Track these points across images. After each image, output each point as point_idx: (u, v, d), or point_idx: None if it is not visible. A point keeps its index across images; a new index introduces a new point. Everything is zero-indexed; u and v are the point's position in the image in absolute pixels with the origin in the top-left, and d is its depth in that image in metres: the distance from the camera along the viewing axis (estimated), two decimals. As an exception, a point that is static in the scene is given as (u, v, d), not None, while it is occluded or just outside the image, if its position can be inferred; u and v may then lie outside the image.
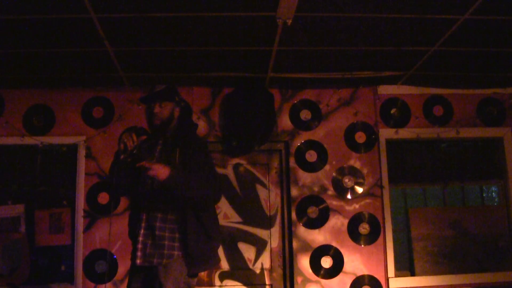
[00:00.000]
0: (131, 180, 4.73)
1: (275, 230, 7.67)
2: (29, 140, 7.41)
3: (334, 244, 7.45)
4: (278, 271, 7.57)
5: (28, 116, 7.49)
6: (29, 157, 7.55)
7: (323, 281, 7.39)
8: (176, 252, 4.53)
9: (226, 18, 5.46)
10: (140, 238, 4.59)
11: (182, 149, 4.66)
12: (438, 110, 7.83)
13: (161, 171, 4.35)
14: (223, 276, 7.50)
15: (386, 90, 7.82)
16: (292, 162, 7.64)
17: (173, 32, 5.83)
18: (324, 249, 7.44)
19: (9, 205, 7.24)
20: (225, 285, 7.49)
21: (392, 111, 7.77)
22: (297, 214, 7.51)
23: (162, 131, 4.79)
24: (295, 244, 7.45)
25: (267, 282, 7.56)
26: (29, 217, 7.29)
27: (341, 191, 7.58)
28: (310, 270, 7.39)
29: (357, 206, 7.56)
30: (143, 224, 4.61)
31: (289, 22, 5.41)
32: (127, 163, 4.60)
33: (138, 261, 4.56)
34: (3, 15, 5.28)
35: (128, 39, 6.01)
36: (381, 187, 7.59)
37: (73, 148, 7.50)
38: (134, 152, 4.60)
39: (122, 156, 4.61)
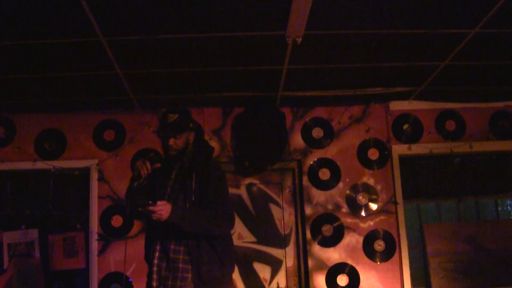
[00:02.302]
0: None
1: (290, 249, 7.63)
2: (41, 165, 7.43)
3: (349, 262, 7.41)
4: (294, 291, 7.54)
5: (40, 140, 7.51)
6: (41, 182, 7.58)
7: (340, 299, 7.36)
8: (189, 275, 4.50)
9: (235, 38, 5.46)
10: (155, 261, 4.57)
11: (199, 174, 4.64)
12: (450, 125, 7.79)
13: (163, 213, 4.30)
14: (239, 297, 7.48)
15: (398, 106, 7.79)
16: (305, 180, 7.61)
17: (182, 53, 5.84)
18: (340, 267, 7.40)
19: (23, 230, 7.24)
20: (241, 306, 7.48)
21: (405, 127, 7.74)
22: (311, 233, 7.47)
23: (179, 157, 4.76)
24: (310, 262, 7.41)
25: (283, 301, 7.53)
26: (43, 242, 7.28)
27: (355, 208, 7.54)
28: (326, 289, 7.36)
29: (371, 223, 7.52)
30: (158, 247, 4.59)
31: (299, 40, 5.39)
32: (139, 192, 4.61)
33: (154, 284, 4.53)
34: (13, 41, 5.30)
35: (137, 62, 6.02)
36: (395, 203, 7.55)
37: (85, 172, 7.50)
38: (145, 183, 4.62)
39: (135, 183, 4.62)
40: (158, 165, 4.71)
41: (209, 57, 5.96)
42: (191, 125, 4.79)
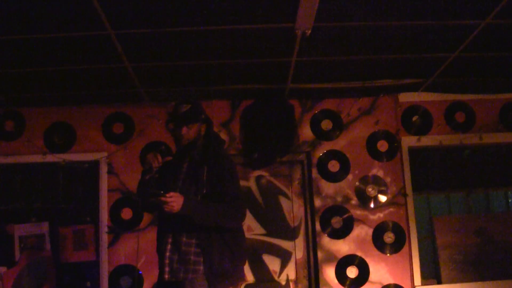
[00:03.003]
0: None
1: (300, 241, 7.64)
2: (50, 158, 7.46)
3: (359, 253, 7.41)
4: (304, 282, 7.54)
5: (49, 133, 7.53)
6: (51, 175, 7.60)
7: (349, 291, 7.36)
8: (201, 267, 4.51)
9: (244, 30, 5.45)
10: (167, 254, 4.58)
11: (210, 167, 4.64)
12: (460, 117, 7.76)
13: (175, 204, 4.31)
14: (249, 289, 7.49)
15: (407, 97, 7.77)
16: (314, 172, 7.60)
17: (191, 46, 5.84)
18: (349, 259, 7.40)
19: (33, 222, 7.25)
20: (251, 298, 7.48)
21: (414, 118, 7.72)
22: (321, 225, 7.47)
23: (189, 150, 4.77)
24: (320, 254, 7.41)
25: (292, 293, 7.54)
26: (53, 234, 7.30)
27: (364, 200, 7.53)
28: (336, 281, 7.35)
29: (381, 215, 7.51)
30: (169, 240, 4.60)
31: (308, 32, 5.38)
32: (151, 185, 4.64)
33: (166, 276, 4.55)
34: (22, 35, 5.31)
35: (146, 55, 6.03)
36: (405, 195, 7.53)
37: (95, 165, 7.53)
38: (156, 176, 4.64)
39: (147, 176, 4.63)
40: (169, 158, 4.73)
41: (218, 49, 5.96)
42: (203, 116, 4.81)
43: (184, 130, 4.69)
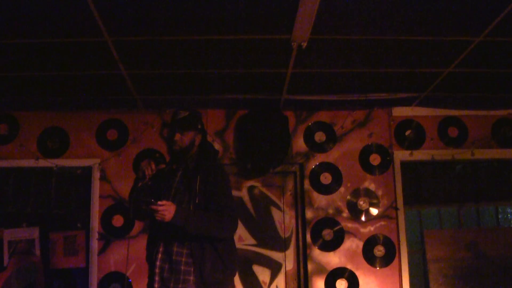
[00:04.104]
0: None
1: (290, 253, 7.63)
2: (43, 163, 7.43)
3: (349, 266, 7.40)
4: (293, 294, 7.54)
5: (43, 138, 7.52)
6: (43, 180, 7.58)
7: (338, 304, 7.36)
8: (192, 278, 4.51)
9: (240, 41, 5.47)
10: (158, 263, 4.57)
11: (204, 176, 4.65)
12: (452, 132, 7.78)
13: (166, 213, 4.31)
14: (238, 299, 7.47)
15: (401, 111, 7.79)
16: (306, 184, 7.61)
17: (187, 55, 5.85)
18: (339, 272, 7.39)
19: (24, 227, 7.24)
20: (240, 308, 7.47)
21: (407, 132, 7.74)
22: (312, 237, 7.47)
23: (181, 157, 4.78)
24: (310, 266, 7.41)
25: (282, 305, 7.53)
26: (44, 240, 7.28)
27: (356, 213, 7.54)
28: (326, 293, 7.36)
29: (372, 228, 7.52)
30: (160, 249, 4.60)
31: (304, 45, 5.41)
32: (144, 192, 4.64)
33: (155, 286, 4.54)
34: (19, 39, 5.32)
35: (142, 62, 6.03)
36: (396, 209, 7.54)
37: (88, 171, 7.51)
38: (149, 183, 4.64)
39: (140, 184, 4.63)
40: (163, 166, 4.73)
41: (214, 59, 5.97)
42: (199, 126, 4.81)
43: (177, 136, 4.71)
